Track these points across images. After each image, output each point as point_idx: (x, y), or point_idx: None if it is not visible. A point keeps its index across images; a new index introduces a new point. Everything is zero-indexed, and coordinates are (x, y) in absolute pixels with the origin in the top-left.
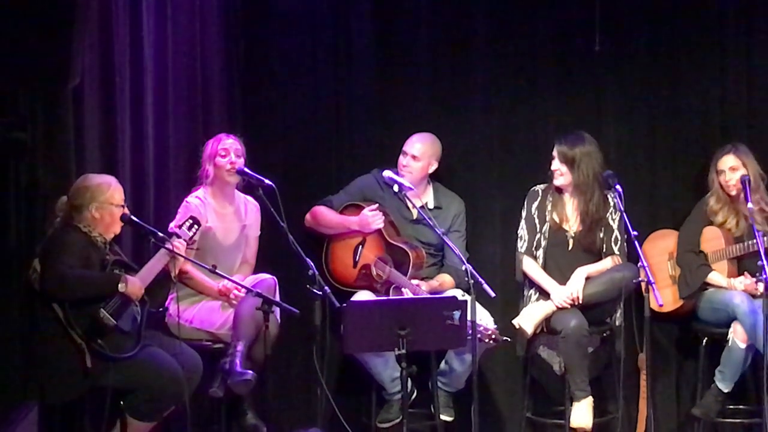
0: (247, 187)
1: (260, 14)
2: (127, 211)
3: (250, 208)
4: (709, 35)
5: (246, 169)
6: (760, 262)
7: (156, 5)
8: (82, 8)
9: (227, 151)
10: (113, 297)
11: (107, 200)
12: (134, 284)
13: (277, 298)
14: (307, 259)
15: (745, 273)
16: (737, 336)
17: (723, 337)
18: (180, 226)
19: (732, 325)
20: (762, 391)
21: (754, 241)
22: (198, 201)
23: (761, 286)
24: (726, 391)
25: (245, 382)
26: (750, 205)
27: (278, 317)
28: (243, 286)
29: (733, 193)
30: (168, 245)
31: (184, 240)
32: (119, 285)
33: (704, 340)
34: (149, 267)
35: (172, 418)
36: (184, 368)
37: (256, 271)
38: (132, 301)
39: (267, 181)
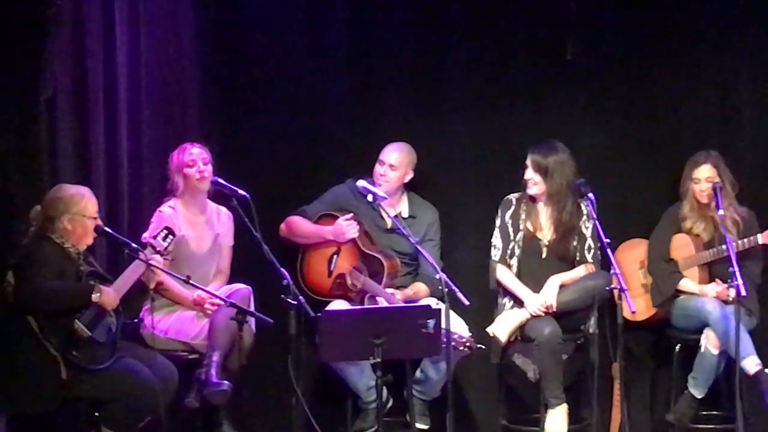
0: (221, 197)
1: (234, 24)
2: (100, 222)
3: (222, 217)
4: (681, 43)
5: (220, 180)
6: (731, 268)
7: (129, 16)
8: (54, 20)
9: (194, 161)
10: (88, 308)
11: (80, 212)
12: (108, 294)
13: (252, 308)
14: (282, 269)
15: (717, 279)
16: (709, 342)
17: (696, 344)
18: (155, 237)
19: (704, 331)
20: (735, 396)
21: (725, 247)
22: (171, 210)
23: (732, 292)
24: (699, 397)
25: (221, 392)
26: (721, 211)
27: (253, 327)
28: (218, 297)
29: (706, 201)
30: (142, 256)
31: (160, 250)
32: (93, 295)
33: (677, 347)
34: (124, 278)
35: (148, 429)
36: (159, 379)
37: (231, 282)
38: (107, 312)
39: (241, 192)
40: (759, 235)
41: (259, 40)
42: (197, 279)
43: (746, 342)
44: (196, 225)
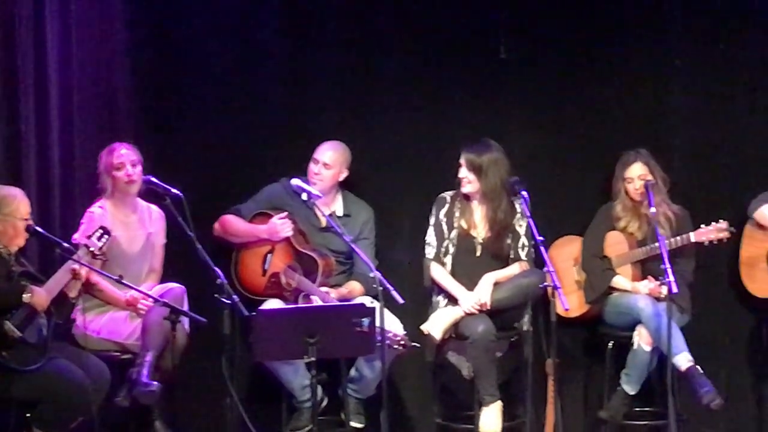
0: (154, 195)
1: (168, 23)
2: (31, 222)
3: (154, 216)
4: (612, 42)
5: (153, 179)
6: (662, 266)
7: (59, 14)
8: None
9: (122, 163)
10: (18, 309)
11: (12, 213)
12: (40, 295)
13: (186, 308)
14: (216, 268)
15: (649, 276)
16: (642, 339)
17: (628, 341)
18: (90, 236)
19: (637, 328)
20: (667, 393)
21: (657, 244)
22: (100, 211)
23: (665, 289)
24: (632, 393)
25: (150, 392)
26: (653, 209)
27: (186, 327)
28: (150, 296)
29: (640, 199)
30: (75, 256)
31: (94, 250)
32: (24, 295)
33: (610, 344)
34: (56, 278)
35: (81, 429)
36: (91, 379)
37: (165, 281)
38: (38, 312)
39: (174, 191)
40: (692, 234)
41: (191, 38)
42: (129, 279)
43: (678, 339)
44: (127, 225)
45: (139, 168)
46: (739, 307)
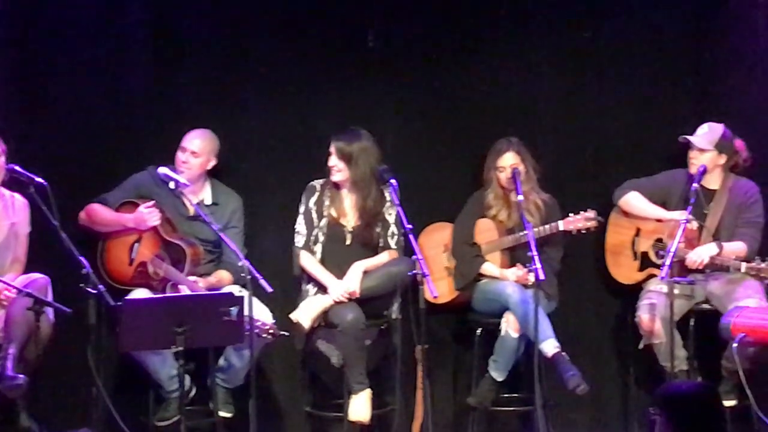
0: (18, 184)
1: (33, 10)
2: None
3: (17, 204)
4: (481, 30)
5: (17, 167)
6: (530, 253)
7: None
8: None
9: None
10: None
11: None
12: None
13: (50, 298)
14: (81, 258)
15: (517, 264)
16: (510, 325)
17: (497, 327)
18: None
19: (504, 314)
20: (534, 379)
21: (525, 232)
22: None
23: (532, 277)
24: (500, 379)
25: (16, 386)
26: (520, 197)
27: (51, 317)
28: (13, 287)
29: (509, 187)
30: None
31: None
32: None
33: (478, 331)
34: None
35: None
36: None
37: (29, 270)
38: None
39: (38, 179)
40: (560, 222)
41: (56, 25)
42: None
43: (545, 325)
44: None
45: (2, 159)
46: (605, 294)
